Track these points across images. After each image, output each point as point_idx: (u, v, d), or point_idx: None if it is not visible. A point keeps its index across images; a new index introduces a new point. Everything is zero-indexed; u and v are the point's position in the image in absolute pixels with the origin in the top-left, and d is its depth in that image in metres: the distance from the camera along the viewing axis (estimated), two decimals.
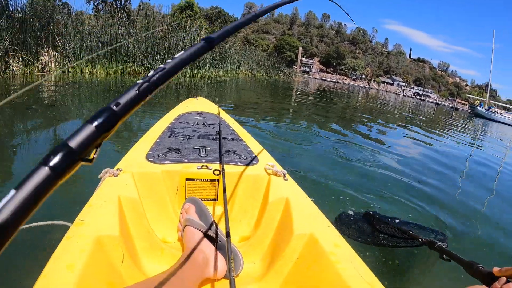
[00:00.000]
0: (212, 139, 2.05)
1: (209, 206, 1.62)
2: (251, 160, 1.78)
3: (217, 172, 1.59)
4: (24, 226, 1.07)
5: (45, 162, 0.32)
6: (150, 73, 0.44)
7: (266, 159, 1.85)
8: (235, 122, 2.61)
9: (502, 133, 21.88)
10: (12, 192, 0.29)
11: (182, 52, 0.49)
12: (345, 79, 78.56)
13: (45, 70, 7.00)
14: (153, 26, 10.68)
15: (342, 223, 2.48)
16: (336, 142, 5.79)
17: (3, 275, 1.58)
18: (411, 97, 72.15)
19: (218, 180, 1.62)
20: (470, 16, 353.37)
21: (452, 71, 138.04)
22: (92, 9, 14.70)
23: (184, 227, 1.35)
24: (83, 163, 0.36)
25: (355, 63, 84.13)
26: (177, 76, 10.61)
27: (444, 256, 1.40)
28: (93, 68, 6.96)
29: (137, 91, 0.42)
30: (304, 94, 16.72)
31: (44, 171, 0.31)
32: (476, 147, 10.16)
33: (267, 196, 1.53)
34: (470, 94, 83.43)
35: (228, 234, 1.02)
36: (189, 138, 2.02)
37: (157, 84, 0.44)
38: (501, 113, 44.08)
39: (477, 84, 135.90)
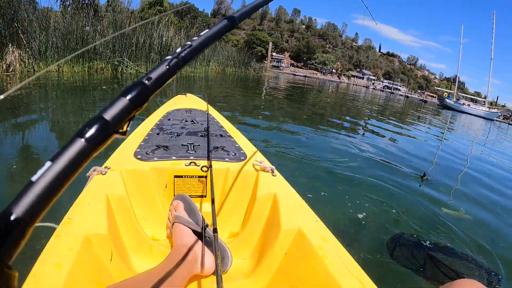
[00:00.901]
0: (201, 136, 2.05)
1: (197, 203, 1.62)
2: (240, 156, 1.79)
3: (205, 169, 1.60)
4: None
5: (80, 134, 0.33)
6: (178, 50, 0.46)
7: (254, 155, 1.86)
8: (224, 118, 2.61)
9: (470, 123, 22.98)
10: (48, 163, 0.30)
11: (207, 30, 0.52)
12: (316, 74, 79.23)
13: (10, 70, 6.84)
14: (121, 23, 10.48)
15: (397, 244, 2.47)
16: (309, 135, 5.99)
17: None
18: (381, 90, 73.80)
19: (206, 177, 1.62)
20: (439, 12, 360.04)
21: (421, 64, 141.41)
22: (59, 5, 14.40)
23: (173, 224, 1.35)
24: (117, 135, 0.37)
25: (325, 58, 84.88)
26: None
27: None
28: (59, 67, 6.86)
29: (167, 67, 0.44)
30: (275, 89, 16.86)
31: (80, 143, 0.32)
32: (445, 140, 10.63)
33: (256, 192, 1.54)
34: (438, 87, 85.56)
35: (215, 231, 1.01)
36: (178, 135, 2.02)
37: (185, 60, 0.46)
38: (469, 105, 45.60)
39: (445, 77, 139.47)
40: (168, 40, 12.66)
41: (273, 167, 1.68)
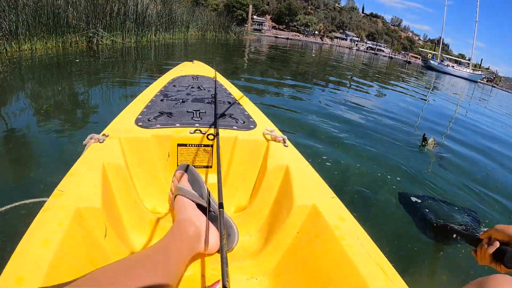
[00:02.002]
0: (207, 103, 1.93)
1: (202, 174, 1.53)
2: (249, 124, 1.68)
3: (211, 137, 1.51)
4: (3, 208, 1.14)
5: None
6: None
7: (264, 123, 1.75)
8: (233, 86, 2.50)
9: (454, 83, 23.44)
10: None
11: None
12: (298, 36, 78.28)
13: None
14: None
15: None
16: (293, 95, 6.07)
17: None
18: (364, 51, 73.79)
19: (212, 146, 1.53)
20: None
21: (405, 26, 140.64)
22: None
23: (175, 196, 1.27)
24: None
25: (307, 19, 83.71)
26: (122, 43, 10.43)
27: (454, 235, 1.48)
28: (32, 44, 6.67)
29: None
30: (257, 52, 16.78)
31: None
32: (430, 98, 11.05)
33: (266, 163, 1.45)
34: (422, 48, 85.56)
35: (221, 206, 0.91)
36: (183, 102, 1.91)
37: None
38: (453, 66, 46.07)
39: (429, 39, 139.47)
40: (144, 8, 12.31)
41: (285, 137, 1.58)
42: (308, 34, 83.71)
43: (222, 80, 2.62)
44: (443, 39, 58.19)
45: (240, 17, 51.67)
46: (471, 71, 44.84)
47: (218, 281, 1.01)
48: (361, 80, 11.49)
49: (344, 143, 3.75)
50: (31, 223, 0.88)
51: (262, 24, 73.08)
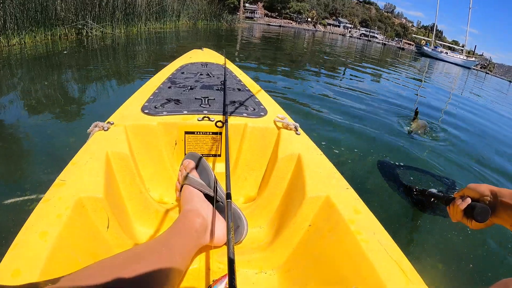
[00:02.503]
0: (217, 90, 1.89)
1: (210, 163, 1.50)
2: (259, 111, 1.63)
3: (219, 124, 1.47)
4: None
5: None
6: None
7: (276, 110, 1.70)
8: (243, 73, 2.45)
9: (448, 70, 23.66)
10: None
11: None
12: (291, 23, 77.85)
13: None
14: None
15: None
16: (286, 82, 6.14)
17: None
18: (357, 38, 73.72)
19: (221, 134, 1.49)
20: None
21: (398, 12, 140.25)
22: None
23: (182, 186, 1.23)
24: None
25: (300, 6, 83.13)
26: (111, 34, 10.34)
27: (431, 199, 1.52)
28: (20, 39, 6.58)
29: None
30: (249, 40, 16.74)
31: None
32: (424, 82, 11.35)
33: (277, 152, 1.40)
34: (416, 35, 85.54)
35: (229, 196, 0.89)
36: (191, 89, 1.87)
37: None
38: (447, 53, 46.20)
39: (423, 26, 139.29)
40: None
41: (297, 124, 1.53)
42: (301, 21, 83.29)
43: (232, 67, 2.58)
44: (436, 26, 58.23)
45: (232, 5, 51.27)
46: (465, 58, 44.94)
47: (225, 275, 0.97)
48: (355, 67, 11.58)
49: (336, 124, 3.90)
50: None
51: (254, 12, 72.59)
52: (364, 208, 1.05)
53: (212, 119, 1.48)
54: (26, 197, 1.82)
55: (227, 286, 0.91)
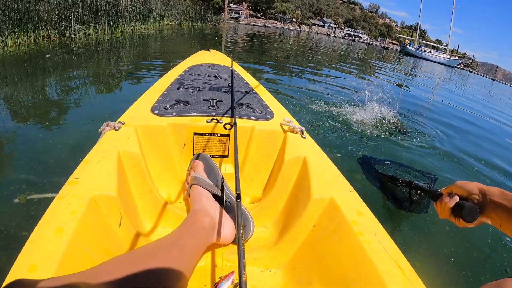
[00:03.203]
0: (224, 92, 1.93)
1: (218, 164, 1.54)
2: (266, 114, 1.67)
3: (228, 126, 1.51)
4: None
5: None
6: None
7: (282, 114, 1.75)
8: (250, 75, 2.48)
9: (432, 69, 24.05)
10: None
11: None
12: (275, 23, 77.98)
13: None
14: None
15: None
16: (272, 83, 6.15)
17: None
18: (342, 38, 74.54)
19: (229, 135, 1.53)
20: None
21: (382, 12, 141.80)
22: None
23: (191, 185, 1.27)
24: None
25: (284, 7, 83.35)
26: (95, 35, 10.26)
27: (418, 191, 1.47)
28: (3, 41, 6.47)
29: None
30: (234, 40, 16.81)
31: None
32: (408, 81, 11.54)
33: (283, 154, 1.44)
34: (400, 34, 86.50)
35: (238, 196, 0.92)
36: (199, 90, 1.91)
37: None
38: (430, 52, 46.97)
39: (407, 25, 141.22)
40: None
41: (303, 128, 1.57)
42: (286, 22, 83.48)
43: (239, 69, 2.62)
44: (420, 25, 59.19)
45: (217, 6, 51.17)
46: (448, 57, 45.68)
47: (232, 272, 1.02)
48: (339, 66, 11.73)
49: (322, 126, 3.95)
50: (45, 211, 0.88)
51: (239, 12, 72.51)
52: (366, 210, 1.10)
53: (221, 121, 1.52)
54: (39, 195, 1.86)
55: (234, 283, 0.98)
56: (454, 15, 50.75)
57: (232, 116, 1.55)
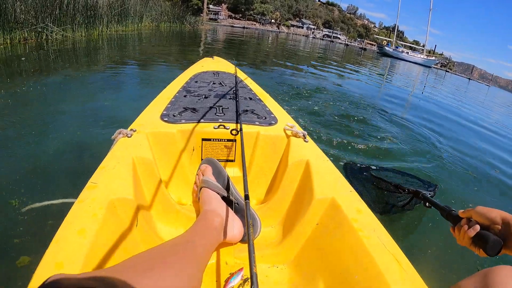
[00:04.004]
0: (230, 99, 2.01)
1: (225, 168, 1.61)
2: (270, 120, 1.75)
3: (234, 132, 1.58)
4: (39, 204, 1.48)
5: None
6: None
7: (285, 119, 1.83)
8: (253, 82, 2.57)
9: (409, 69, 24.46)
10: None
11: None
12: (254, 24, 78.05)
13: None
14: None
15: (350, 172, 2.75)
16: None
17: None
18: (320, 39, 75.06)
19: (235, 141, 1.61)
20: None
21: (361, 14, 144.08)
22: None
23: (200, 188, 1.34)
24: None
25: (264, 8, 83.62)
26: (72, 37, 10.14)
27: (427, 204, 1.44)
28: None
29: None
30: (213, 42, 16.91)
31: None
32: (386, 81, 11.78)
33: (287, 158, 1.52)
34: (378, 35, 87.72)
35: (247, 197, 0.97)
36: (206, 97, 1.98)
37: None
38: (408, 52, 47.74)
39: (385, 26, 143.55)
40: None
41: (305, 132, 1.65)
42: (265, 23, 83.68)
43: (242, 76, 2.69)
44: (398, 27, 60.19)
45: (196, 7, 51.04)
46: (425, 57, 46.51)
47: (242, 268, 1.10)
48: (318, 67, 11.87)
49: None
50: (67, 213, 0.94)
51: (218, 14, 72.33)
52: (365, 208, 1.16)
53: (227, 127, 1.60)
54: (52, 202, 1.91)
55: (244, 278, 1.08)
56: (431, 17, 51.75)
57: (238, 122, 1.63)
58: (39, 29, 8.77)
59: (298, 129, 1.68)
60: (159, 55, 8.76)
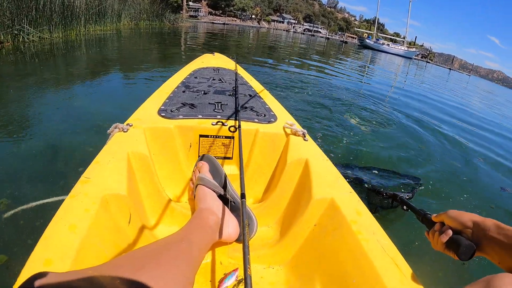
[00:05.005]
0: (229, 95, 1.99)
1: (222, 165, 1.59)
2: (269, 117, 1.74)
3: (232, 129, 1.57)
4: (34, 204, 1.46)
5: None
6: None
7: (285, 117, 1.81)
8: (253, 79, 2.56)
9: (390, 60, 24.72)
10: None
11: None
12: (235, 20, 77.82)
13: None
14: None
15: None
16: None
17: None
18: (301, 33, 75.28)
19: (233, 138, 1.59)
20: None
21: (341, 7, 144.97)
22: None
23: (197, 186, 1.32)
24: None
25: (244, 4, 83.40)
26: (50, 39, 9.97)
27: (404, 207, 1.42)
28: None
29: None
30: (194, 39, 16.89)
31: None
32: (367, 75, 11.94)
33: (285, 156, 1.50)
34: (359, 28, 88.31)
35: (243, 196, 0.95)
36: (205, 93, 1.96)
37: None
38: (388, 44, 48.20)
39: (365, 19, 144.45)
40: None
41: (305, 131, 1.64)
42: (245, 19, 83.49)
43: (242, 72, 2.68)
44: (378, 19, 60.73)
45: (175, 4, 50.61)
46: (406, 49, 47.01)
47: (236, 269, 1.09)
48: (298, 62, 11.93)
49: None
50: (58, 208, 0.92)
51: (198, 10, 71.82)
52: (365, 210, 1.15)
53: (226, 124, 1.58)
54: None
55: (238, 279, 1.06)
56: (411, 8, 52.28)
57: (236, 119, 1.62)
58: (15, 32, 8.62)
59: (297, 127, 1.67)
60: (139, 55, 8.72)
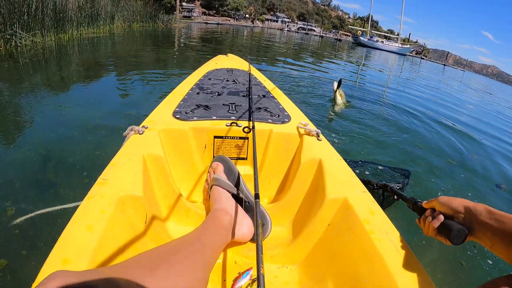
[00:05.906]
0: (243, 96, 2.01)
1: (237, 165, 1.59)
2: (283, 118, 1.75)
3: (247, 130, 1.58)
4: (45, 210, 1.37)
5: None
6: None
7: (299, 117, 1.81)
8: (267, 79, 2.56)
9: (384, 58, 24.80)
10: None
11: None
12: (229, 20, 77.80)
13: None
14: None
15: None
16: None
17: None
18: (295, 32, 75.36)
19: (247, 138, 1.60)
20: None
21: (335, 5, 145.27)
22: None
23: (211, 186, 1.33)
24: None
25: (237, 3, 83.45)
26: (42, 43, 9.92)
27: (395, 196, 1.42)
28: None
29: None
30: (188, 40, 16.82)
31: None
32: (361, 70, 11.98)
33: (299, 156, 1.51)
34: (352, 26, 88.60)
35: (257, 196, 0.95)
36: (219, 95, 1.97)
37: None
38: (383, 42, 48.37)
39: (359, 17, 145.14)
40: (64, 1, 11.70)
41: (319, 130, 1.64)
42: (239, 18, 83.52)
43: (256, 73, 2.69)
44: (372, 17, 60.94)
45: (169, 5, 50.53)
46: (400, 46, 47.21)
47: (250, 268, 1.10)
48: (293, 61, 11.95)
49: None
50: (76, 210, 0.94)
51: (191, 11, 71.74)
52: (378, 209, 1.15)
53: (240, 125, 1.59)
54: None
55: (252, 278, 1.08)
56: (404, 5, 52.44)
57: (250, 120, 1.63)
58: (8, 36, 8.56)
59: (311, 127, 1.67)
60: (133, 56, 8.72)
